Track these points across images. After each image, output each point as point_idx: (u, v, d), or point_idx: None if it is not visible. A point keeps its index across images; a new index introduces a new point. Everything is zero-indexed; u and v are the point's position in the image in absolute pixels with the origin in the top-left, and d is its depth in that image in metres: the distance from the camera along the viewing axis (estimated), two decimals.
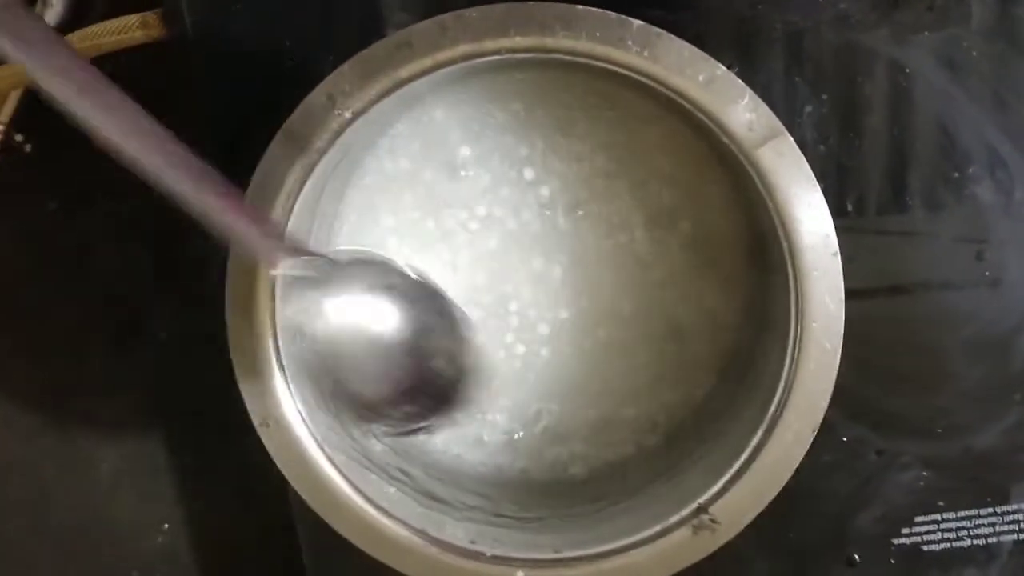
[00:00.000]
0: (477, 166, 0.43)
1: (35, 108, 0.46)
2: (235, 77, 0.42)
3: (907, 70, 0.42)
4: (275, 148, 0.35)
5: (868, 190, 0.42)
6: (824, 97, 0.42)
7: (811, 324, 0.34)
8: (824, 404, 0.35)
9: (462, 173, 0.42)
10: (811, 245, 0.34)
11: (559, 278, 0.43)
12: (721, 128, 0.33)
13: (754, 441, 0.36)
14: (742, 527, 0.36)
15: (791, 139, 0.34)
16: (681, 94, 0.33)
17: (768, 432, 0.35)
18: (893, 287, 0.43)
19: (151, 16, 0.43)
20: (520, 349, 0.44)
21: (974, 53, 0.42)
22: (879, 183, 0.42)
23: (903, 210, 0.42)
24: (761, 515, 0.37)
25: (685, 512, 0.36)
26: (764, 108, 0.33)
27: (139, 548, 0.48)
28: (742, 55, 0.41)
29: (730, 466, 0.36)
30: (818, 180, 0.35)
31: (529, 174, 0.42)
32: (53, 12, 0.45)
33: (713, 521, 0.36)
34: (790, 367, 0.35)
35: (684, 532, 0.36)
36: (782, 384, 0.35)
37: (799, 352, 0.35)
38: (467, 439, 0.44)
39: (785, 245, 0.34)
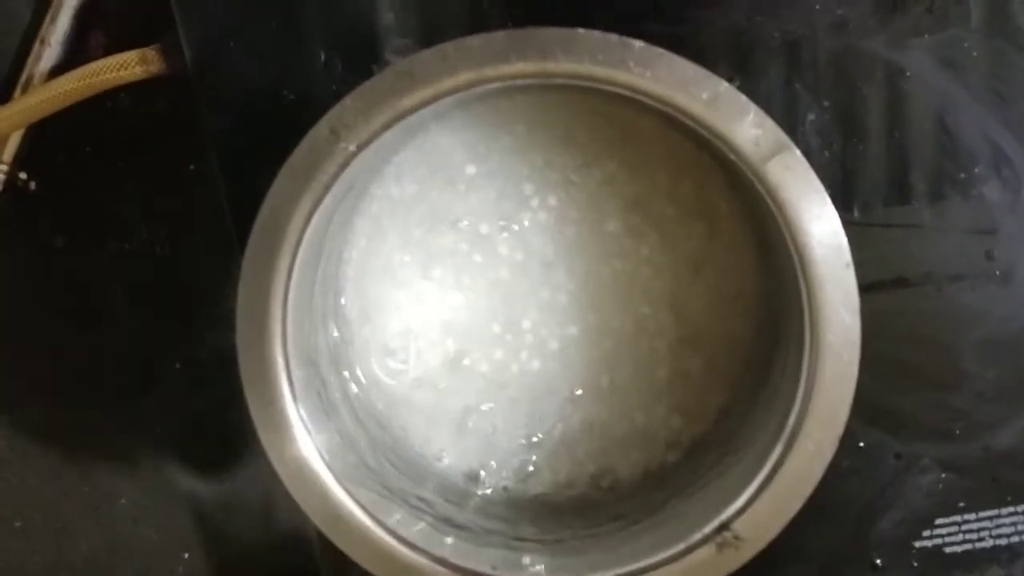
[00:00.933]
0: (483, 188, 0.43)
1: (39, 147, 0.46)
2: (236, 110, 0.42)
3: (908, 73, 0.42)
4: (280, 184, 0.34)
5: (874, 194, 0.42)
6: (826, 104, 0.42)
7: (827, 336, 0.34)
8: (844, 415, 0.35)
9: (469, 196, 0.43)
10: (823, 257, 0.34)
11: (567, 295, 0.43)
12: (727, 145, 0.33)
13: (775, 454, 0.36)
14: (766, 542, 0.36)
15: (798, 152, 0.33)
16: (685, 113, 0.33)
17: (788, 445, 0.35)
18: (902, 288, 0.43)
19: (150, 52, 0.44)
20: (535, 365, 0.44)
21: (974, 53, 0.42)
22: (885, 187, 0.42)
23: (910, 212, 0.42)
24: (790, 525, 0.37)
25: (708, 529, 0.36)
26: (770, 123, 0.33)
27: None
28: (742, 66, 0.41)
29: (751, 480, 0.35)
30: (824, 186, 0.35)
31: (533, 194, 0.43)
32: (52, 52, 0.46)
33: (737, 538, 0.35)
34: (807, 379, 0.35)
35: (708, 549, 0.36)
36: (800, 396, 0.35)
37: (816, 364, 0.35)
38: (484, 461, 0.44)
39: (797, 258, 0.34)
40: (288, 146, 0.35)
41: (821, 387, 0.34)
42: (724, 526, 0.35)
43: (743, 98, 0.33)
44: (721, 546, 0.35)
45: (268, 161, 0.36)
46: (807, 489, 0.35)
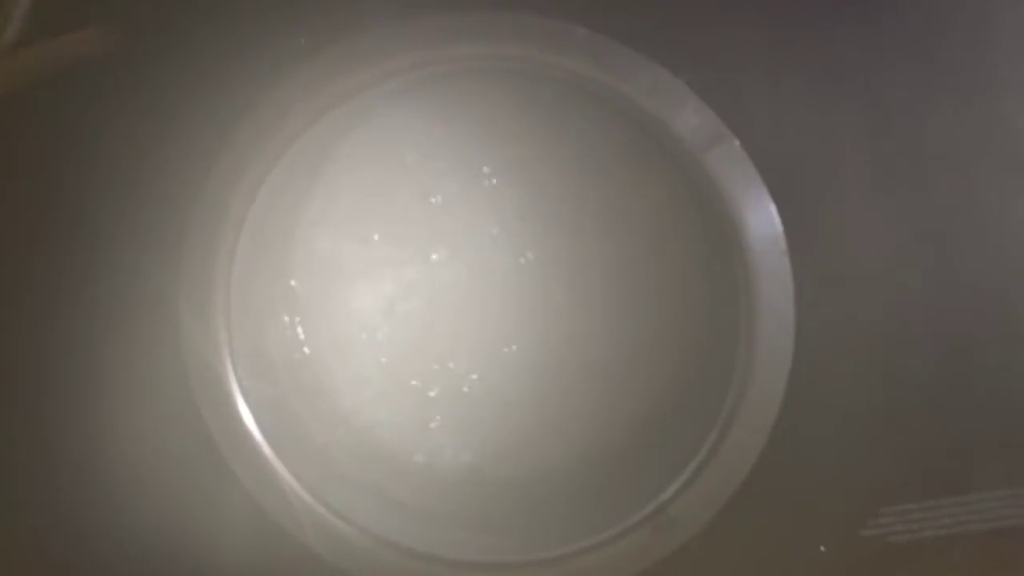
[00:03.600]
0: (435, 164, 0.43)
1: None
2: (194, 90, 0.43)
3: (864, 70, 0.42)
4: (224, 163, 0.35)
5: (824, 187, 0.43)
6: (778, 97, 0.42)
7: (761, 323, 0.35)
8: (778, 401, 0.37)
9: (421, 171, 0.43)
10: (760, 247, 0.35)
11: (521, 272, 0.44)
12: (667, 133, 0.34)
13: (711, 439, 0.37)
14: (701, 525, 0.37)
15: (737, 143, 0.34)
16: (628, 100, 0.34)
17: (723, 431, 0.36)
18: (846, 281, 0.43)
19: (112, 28, 0.44)
20: (483, 339, 0.45)
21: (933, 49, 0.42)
22: (833, 179, 0.43)
23: (858, 205, 0.43)
24: (727, 510, 0.39)
25: (644, 513, 0.37)
26: (710, 114, 0.34)
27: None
28: (696, 59, 0.41)
29: (688, 465, 0.37)
30: (773, 179, 0.36)
31: (487, 180, 0.43)
32: (14, 28, 0.46)
33: (672, 521, 0.36)
34: (743, 366, 0.36)
35: (643, 532, 0.37)
36: (736, 382, 0.36)
37: (751, 351, 0.36)
38: (430, 447, 0.45)
39: (734, 247, 0.35)
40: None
41: (755, 374, 0.36)
42: (660, 510, 0.37)
43: (684, 87, 0.34)
44: (656, 529, 0.36)
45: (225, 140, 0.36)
46: (741, 474, 0.36)
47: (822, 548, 0.44)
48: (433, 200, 0.44)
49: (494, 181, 0.43)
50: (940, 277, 0.43)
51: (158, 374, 0.43)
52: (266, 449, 0.37)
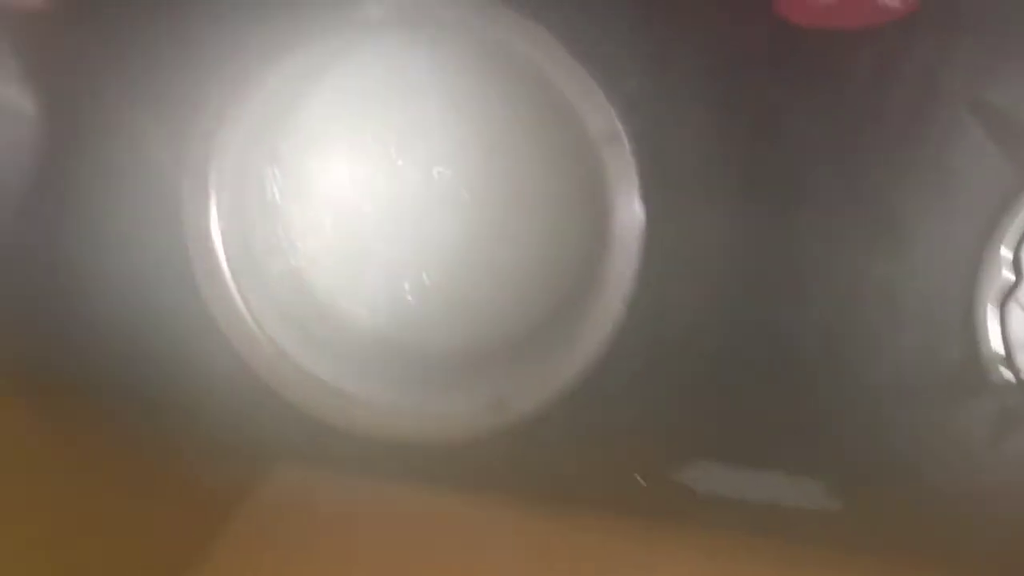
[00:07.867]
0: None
1: None
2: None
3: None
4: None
5: (689, 190, 0.45)
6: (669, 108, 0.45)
7: (611, 281, 0.45)
8: (610, 336, 0.45)
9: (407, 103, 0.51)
10: (619, 233, 0.44)
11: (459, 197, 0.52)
12: (581, 127, 0.43)
13: (554, 351, 0.47)
14: (529, 413, 0.47)
15: (627, 145, 0.43)
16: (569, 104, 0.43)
17: (564, 345, 0.46)
18: (689, 269, 0.46)
19: None
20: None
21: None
22: (700, 187, 0.45)
23: (720, 214, 0.45)
24: (555, 408, 0.47)
25: (486, 392, 0.48)
26: (615, 121, 0.43)
27: None
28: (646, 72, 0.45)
29: (526, 366, 0.48)
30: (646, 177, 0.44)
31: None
32: None
33: (504, 403, 0.48)
34: (588, 307, 0.46)
35: (482, 406, 0.48)
36: (577, 319, 0.46)
37: (599, 296, 0.45)
38: (352, 298, 0.53)
39: (599, 230, 0.44)
40: None
41: (595, 319, 0.46)
42: (496, 393, 0.48)
43: (603, 99, 0.43)
44: (491, 407, 0.48)
45: None
46: (567, 380, 0.46)
47: (638, 478, 0.49)
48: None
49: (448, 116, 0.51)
50: (776, 292, 0.45)
51: (153, 222, 0.48)
52: (231, 284, 0.47)
